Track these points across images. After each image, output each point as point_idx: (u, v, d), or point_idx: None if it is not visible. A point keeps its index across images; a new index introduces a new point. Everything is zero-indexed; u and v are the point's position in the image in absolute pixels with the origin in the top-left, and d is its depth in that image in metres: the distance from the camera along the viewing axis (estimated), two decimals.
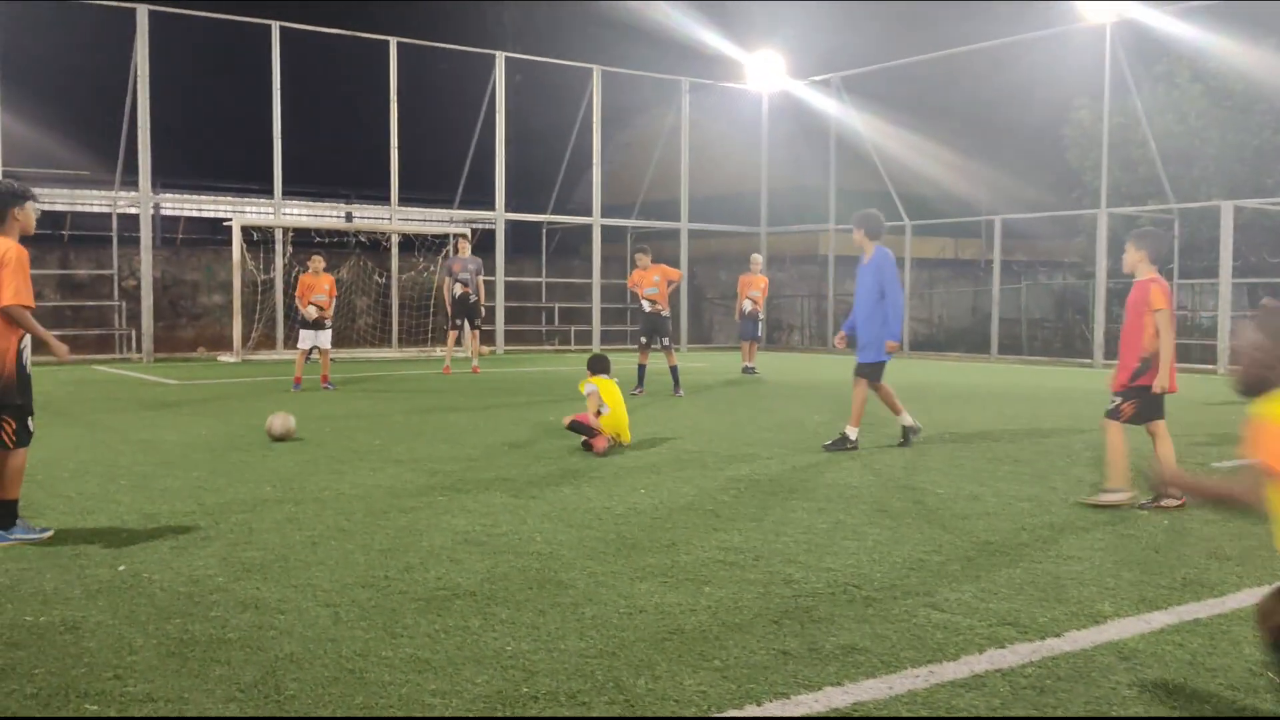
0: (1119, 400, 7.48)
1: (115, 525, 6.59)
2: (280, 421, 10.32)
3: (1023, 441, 10.45)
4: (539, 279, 31.20)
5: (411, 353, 25.88)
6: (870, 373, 10.12)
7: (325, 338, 16.08)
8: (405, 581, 5.36)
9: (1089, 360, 24.12)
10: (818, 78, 29.75)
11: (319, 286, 16.02)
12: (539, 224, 30.84)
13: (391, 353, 25.70)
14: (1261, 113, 24.54)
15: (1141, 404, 7.41)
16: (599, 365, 10.73)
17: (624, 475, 8.45)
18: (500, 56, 27.19)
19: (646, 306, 15.93)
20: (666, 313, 15.90)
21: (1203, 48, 24.33)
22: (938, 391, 16.14)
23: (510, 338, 27.89)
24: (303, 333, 16.06)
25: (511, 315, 28.47)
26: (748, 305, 19.68)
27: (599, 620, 4.74)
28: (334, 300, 16.30)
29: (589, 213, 29.04)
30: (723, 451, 9.75)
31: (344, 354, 23.38)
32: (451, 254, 22.14)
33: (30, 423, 6.32)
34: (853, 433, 9.96)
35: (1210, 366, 21.80)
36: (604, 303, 29.27)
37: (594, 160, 28.44)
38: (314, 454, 9.49)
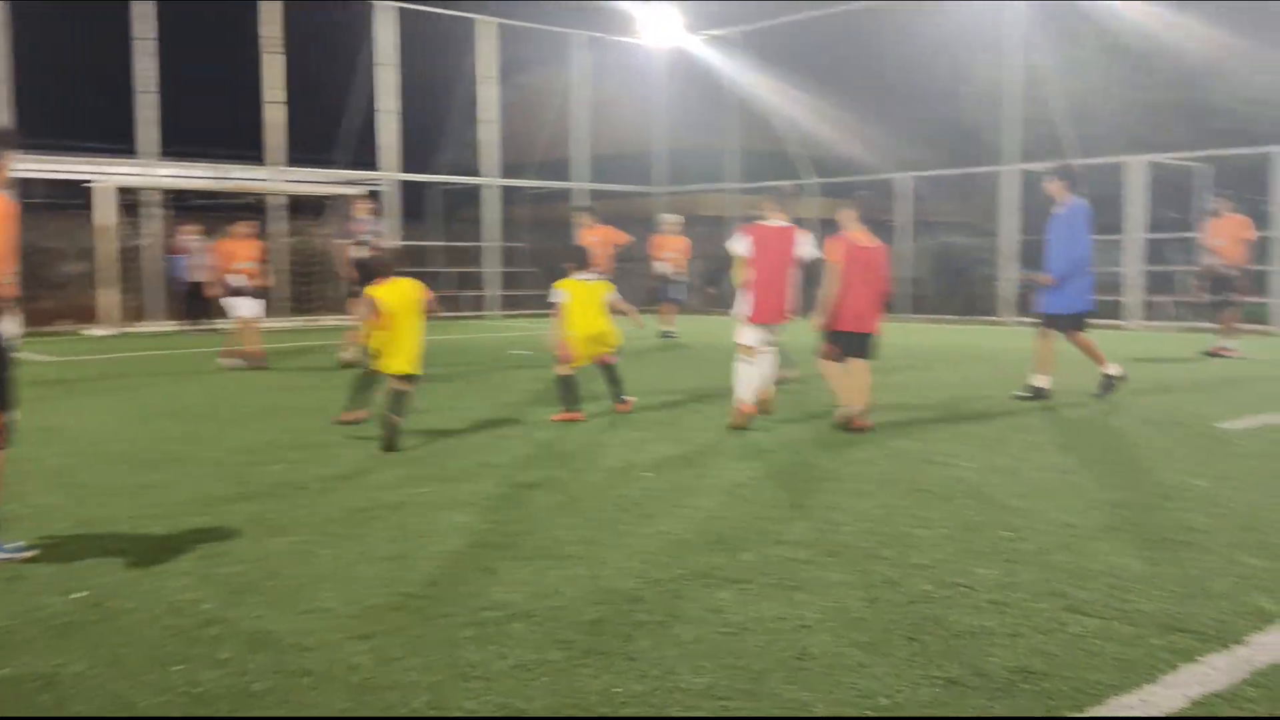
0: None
1: (48, 536, 5.48)
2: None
3: (993, 401, 9.93)
4: (431, 243, 29.86)
5: (300, 322, 24.42)
6: (1063, 324, 10.04)
7: (256, 306, 14.83)
8: (439, 600, 4.45)
9: (997, 318, 24.05)
10: (716, 32, 28.99)
11: (243, 253, 14.77)
12: (430, 185, 29.49)
13: (279, 322, 24.19)
14: (1159, 70, 24.68)
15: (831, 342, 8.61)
16: (574, 257, 9.62)
17: (610, 449, 7.61)
18: (382, 6, 25.69)
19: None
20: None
21: (1102, 4, 24.34)
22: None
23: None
24: (239, 301, 14.70)
25: None
26: (661, 267, 18.84)
27: (704, 645, 3.93)
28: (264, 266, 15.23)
29: (479, 173, 27.83)
30: (708, 426, 8.97)
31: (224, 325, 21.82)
32: (350, 216, 20.76)
33: (11, 419, 5.21)
34: (1040, 381, 10.01)
35: (1118, 322, 21.85)
36: (503, 266, 28.13)
37: (489, 118, 27.20)
38: (254, 439, 8.40)
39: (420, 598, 4.48)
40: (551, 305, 9.44)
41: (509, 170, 28.55)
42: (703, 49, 29.43)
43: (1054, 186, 10.28)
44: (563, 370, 9.31)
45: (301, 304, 25.38)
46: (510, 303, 28.56)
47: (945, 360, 14.61)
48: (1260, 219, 24.66)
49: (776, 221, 8.89)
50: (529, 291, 30.39)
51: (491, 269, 28.12)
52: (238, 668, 3.75)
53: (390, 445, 7.81)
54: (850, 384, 8.55)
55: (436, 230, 30.33)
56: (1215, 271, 14.75)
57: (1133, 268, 21.55)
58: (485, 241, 28.11)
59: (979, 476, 6.74)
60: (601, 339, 9.41)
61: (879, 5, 27.36)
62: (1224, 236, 14.67)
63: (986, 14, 25.40)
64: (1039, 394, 10.04)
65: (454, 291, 28.82)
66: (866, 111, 30.33)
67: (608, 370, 9.61)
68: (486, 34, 27.28)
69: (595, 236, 15.47)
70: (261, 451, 7.85)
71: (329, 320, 24.76)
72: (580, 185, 28.74)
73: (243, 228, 14.93)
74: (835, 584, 4.61)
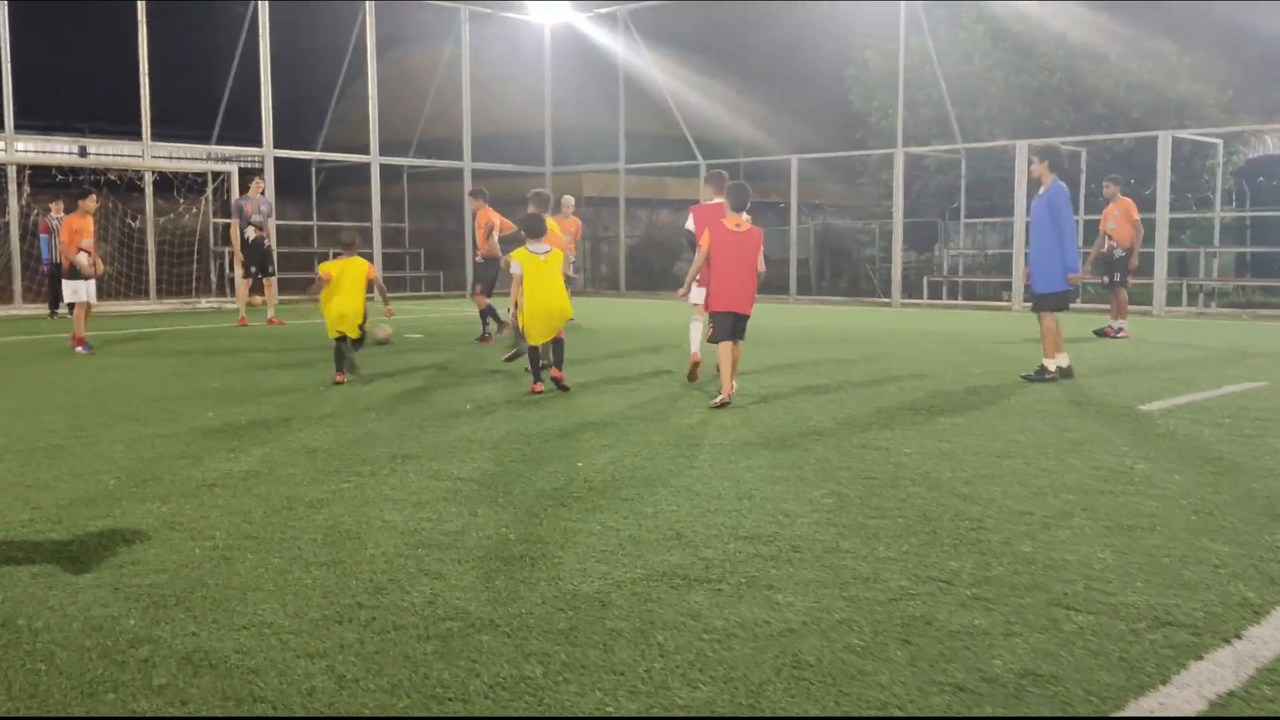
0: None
1: None
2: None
3: (913, 384, 9.88)
4: (309, 222, 28.91)
5: (173, 304, 23.36)
6: (1048, 302, 10.19)
7: (92, 289, 13.91)
8: (390, 610, 4.08)
9: (886, 300, 24.31)
10: (603, 9, 28.61)
11: (89, 230, 13.82)
12: (306, 162, 28.51)
13: (148, 305, 23.10)
14: (1040, 54, 25.18)
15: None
16: (533, 226, 9.55)
17: (538, 438, 7.28)
18: None
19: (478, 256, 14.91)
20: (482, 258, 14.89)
21: None
22: (783, 335, 15.53)
23: (281, 286, 25.61)
24: (70, 284, 13.80)
25: (280, 262, 26.14)
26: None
27: (690, 655, 3.65)
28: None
29: (354, 150, 26.99)
30: (633, 414, 8.69)
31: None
32: (243, 194, 19.81)
33: None
34: (1051, 364, 10.13)
35: (1005, 304, 22.27)
36: (384, 248, 27.35)
37: (368, 93, 26.36)
38: (139, 432, 7.82)
39: (368, 608, 4.10)
40: (514, 274, 9.45)
41: (388, 148, 27.75)
42: (589, 26, 29.02)
43: (1038, 168, 10.34)
44: (525, 344, 9.68)
45: (173, 286, 24.28)
46: (392, 285, 27.79)
47: (847, 341, 14.59)
48: (1142, 202, 25.49)
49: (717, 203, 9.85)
50: (410, 273, 29.73)
51: (371, 250, 27.26)
52: (178, 695, 3.34)
53: (349, 367, 10.44)
54: (723, 363, 9.01)
55: (310, 210, 29.32)
56: (1106, 253, 15.02)
57: (1019, 250, 21.92)
58: (364, 222, 27.25)
59: (918, 462, 6.60)
60: (560, 313, 9.48)
61: None
62: (1114, 219, 14.95)
63: None
64: (1064, 373, 10.19)
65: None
66: (755, 93, 30.36)
67: (556, 342, 9.67)
68: (365, 7, 26.38)
69: (490, 219, 14.96)
70: (159, 444, 7.31)
71: (203, 303, 23.77)
72: (465, 165, 28.11)
73: (90, 203, 13.85)
74: (809, 581, 4.39)
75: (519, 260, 9.35)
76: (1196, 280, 21.16)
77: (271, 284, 18.50)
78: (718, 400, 8.80)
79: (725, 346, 9.00)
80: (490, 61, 29.15)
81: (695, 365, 10.12)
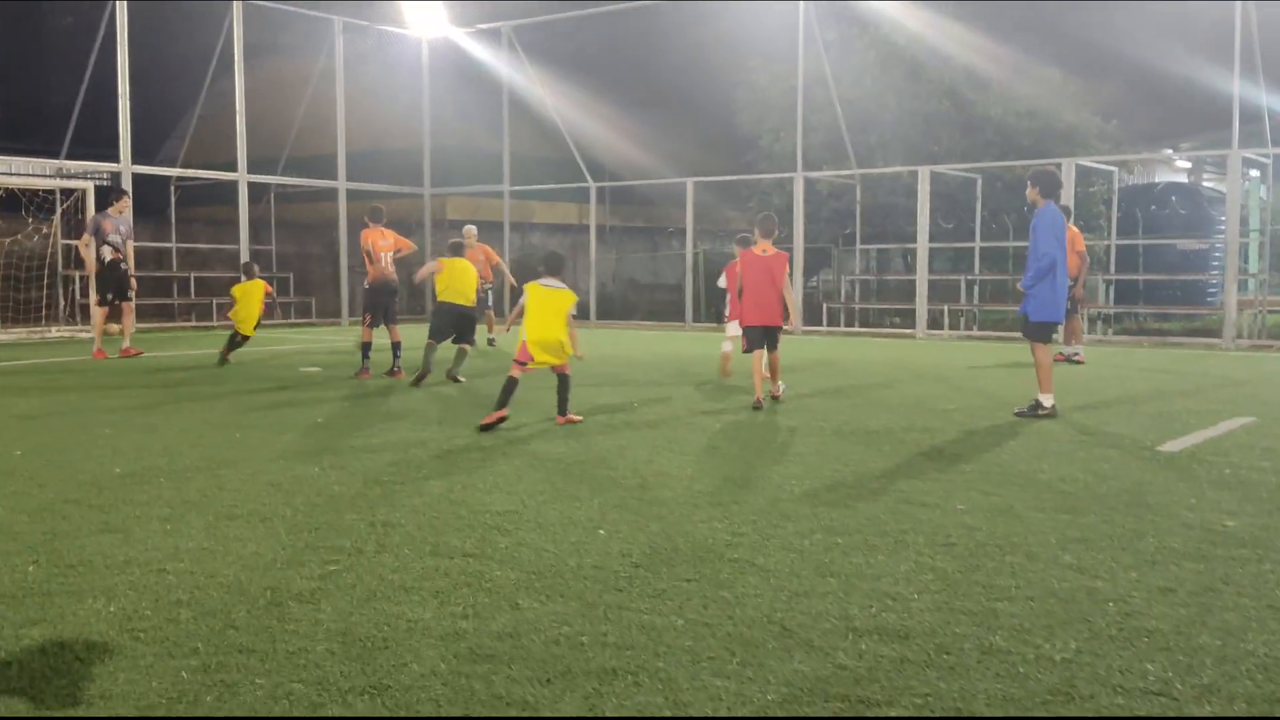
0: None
1: None
2: None
3: (897, 421, 9.15)
4: (166, 244, 26.91)
5: (19, 334, 21.25)
6: (1039, 333, 9.79)
7: None
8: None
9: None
10: (485, 25, 27.51)
11: None
12: (162, 179, 26.54)
13: None
14: (929, 80, 25.14)
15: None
16: (552, 264, 9.66)
17: (535, 499, 6.23)
18: None
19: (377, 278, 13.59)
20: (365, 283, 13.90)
21: (876, 9, 24.54)
22: (708, 367, 14.70)
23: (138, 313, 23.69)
24: None
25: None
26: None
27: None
28: None
29: (216, 166, 25.22)
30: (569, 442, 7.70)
31: None
32: (101, 212, 17.98)
33: None
34: (1047, 400, 9.65)
35: (909, 331, 21.97)
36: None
37: (235, 107, 24.65)
38: (36, 495, 6.47)
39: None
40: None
41: (255, 166, 26.01)
42: (470, 42, 27.88)
43: (1030, 192, 9.90)
44: (515, 370, 9.42)
45: (19, 314, 22.13)
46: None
47: (789, 373, 13.85)
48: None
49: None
50: (279, 299, 27.96)
51: (234, 273, 25.38)
52: None
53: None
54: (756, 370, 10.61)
55: (166, 230, 27.30)
56: None
57: (922, 277, 21.67)
58: (228, 244, 25.46)
59: (984, 522, 5.80)
60: (556, 349, 9.41)
61: (651, 5, 26.59)
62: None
63: (762, 18, 25.16)
64: (1043, 411, 9.64)
65: (200, 299, 26.11)
66: (644, 115, 29.68)
67: (561, 380, 9.65)
68: (233, 9, 24.66)
69: (387, 240, 13.68)
70: (68, 512, 5.99)
71: (54, 331, 21.75)
72: (339, 184, 26.60)
73: None
74: (1000, 699, 3.50)
75: (527, 291, 9.54)
76: (1094, 307, 21.20)
77: (130, 311, 16.85)
78: (755, 401, 10.34)
79: (758, 355, 10.62)
80: (366, 76, 27.73)
81: (726, 360, 12.80)
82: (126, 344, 16.68)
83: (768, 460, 7.67)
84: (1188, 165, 35.60)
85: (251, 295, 15.04)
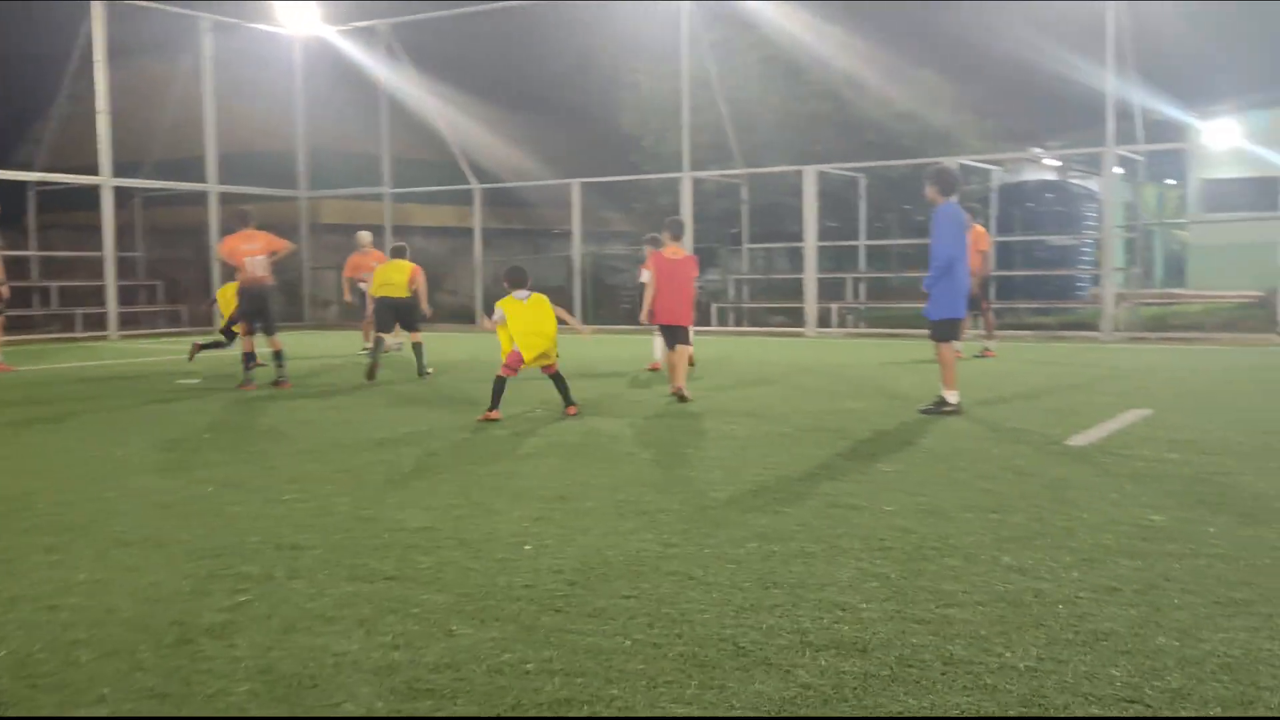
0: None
1: None
2: None
3: (805, 421, 9.07)
4: (23, 252, 25.57)
5: None
6: (943, 331, 9.77)
7: None
8: None
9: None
10: (361, 23, 26.83)
11: None
12: (18, 185, 25.23)
13: None
14: (810, 81, 25.35)
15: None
16: (515, 277, 10.03)
17: (442, 513, 5.93)
18: None
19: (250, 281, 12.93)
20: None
21: (757, 13, 24.64)
22: (609, 368, 14.48)
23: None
24: None
25: None
26: (363, 287, 16.84)
27: None
28: None
29: (77, 170, 24.07)
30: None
31: None
32: None
33: None
34: (952, 396, 9.61)
35: (798, 330, 22.09)
36: (119, 280, 24.48)
37: (98, 107, 23.53)
38: None
39: None
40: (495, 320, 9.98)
41: (119, 170, 24.89)
42: (345, 41, 27.16)
43: (929, 191, 9.88)
44: (505, 372, 9.85)
45: None
46: (129, 321, 24.97)
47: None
48: (916, 230, 26.01)
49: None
50: (147, 308, 26.87)
51: (101, 281, 24.20)
52: None
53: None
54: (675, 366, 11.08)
55: (23, 238, 25.95)
56: None
57: (810, 276, 21.80)
58: (91, 250, 24.30)
59: (916, 523, 5.71)
60: (544, 342, 9.91)
61: (532, 5, 26.27)
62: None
63: (645, 19, 25.05)
64: (947, 408, 9.62)
65: (64, 309, 24.89)
66: (526, 116, 29.33)
67: (556, 378, 10.15)
68: (94, 12, 23.56)
69: (256, 244, 13.04)
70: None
71: None
72: (210, 188, 25.63)
73: None
74: (974, 714, 3.36)
75: (503, 308, 9.93)
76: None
77: None
78: (673, 390, 10.80)
79: (678, 351, 11.06)
80: (236, 76, 26.77)
81: (656, 369, 13.51)
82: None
83: (685, 466, 7.49)
84: (1057, 163, 36.65)
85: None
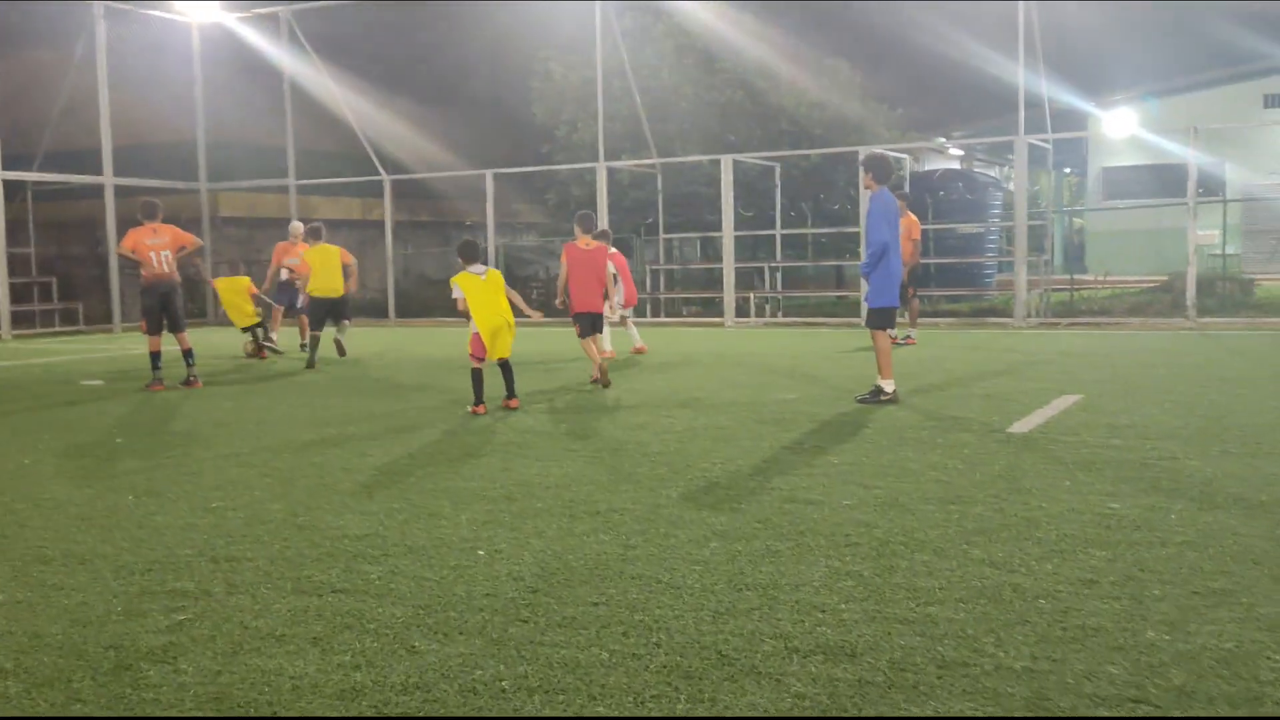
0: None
1: None
2: None
3: (745, 413, 8.94)
4: None
5: None
6: (879, 319, 9.71)
7: None
8: None
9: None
10: (261, 9, 26.04)
11: None
12: None
13: None
14: (723, 70, 25.28)
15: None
16: (467, 252, 9.63)
17: (391, 518, 5.65)
18: None
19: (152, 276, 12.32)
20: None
21: (671, 3, 24.50)
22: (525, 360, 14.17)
23: None
24: None
25: None
26: (284, 274, 16.29)
27: None
28: None
29: None
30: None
31: None
32: None
33: None
34: (889, 385, 9.53)
35: (716, 320, 22.01)
36: (13, 277, 23.42)
37: None
38: None
39: None
40: (456, 298, 9.58)
41: (9, 162, 23.83)
42: (245, 28, 26.35)
43: (865, 179, 9.84)
44: (474, 362, 9.57)
45: None
46: (22, 320, 23.93)
47: (616, 366, 13.50)
48: (829, 218, 26.14)
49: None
50: (41, 306, 25.79)
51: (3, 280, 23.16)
52: None
53: None
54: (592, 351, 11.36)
55: None
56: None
57: (728, 265, 21.74)
58: None
59: (877, 517, 5.59)
60: (507, 335, 9.56)
61: None
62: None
63: (557, 7, 24.73)
64: (884, 396, 9.55)
65: None
66: (435, 107, 28.80)
67: (504, 367, 9.78)
68: None
69: (161, 238, 12.45)
70: None
71: None
72: (105, 180, 24.66)
73: None
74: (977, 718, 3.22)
75: (460, 284, 9.49)
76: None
77: None
78: (594, 378, 11.08)
79: (592, 338, 11.51)
80: (131, 64, 25.79)
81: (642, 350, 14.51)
82: None
83: (629, 462, 7.28)
84: (960, 153, 37.21)
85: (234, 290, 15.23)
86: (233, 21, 26.42)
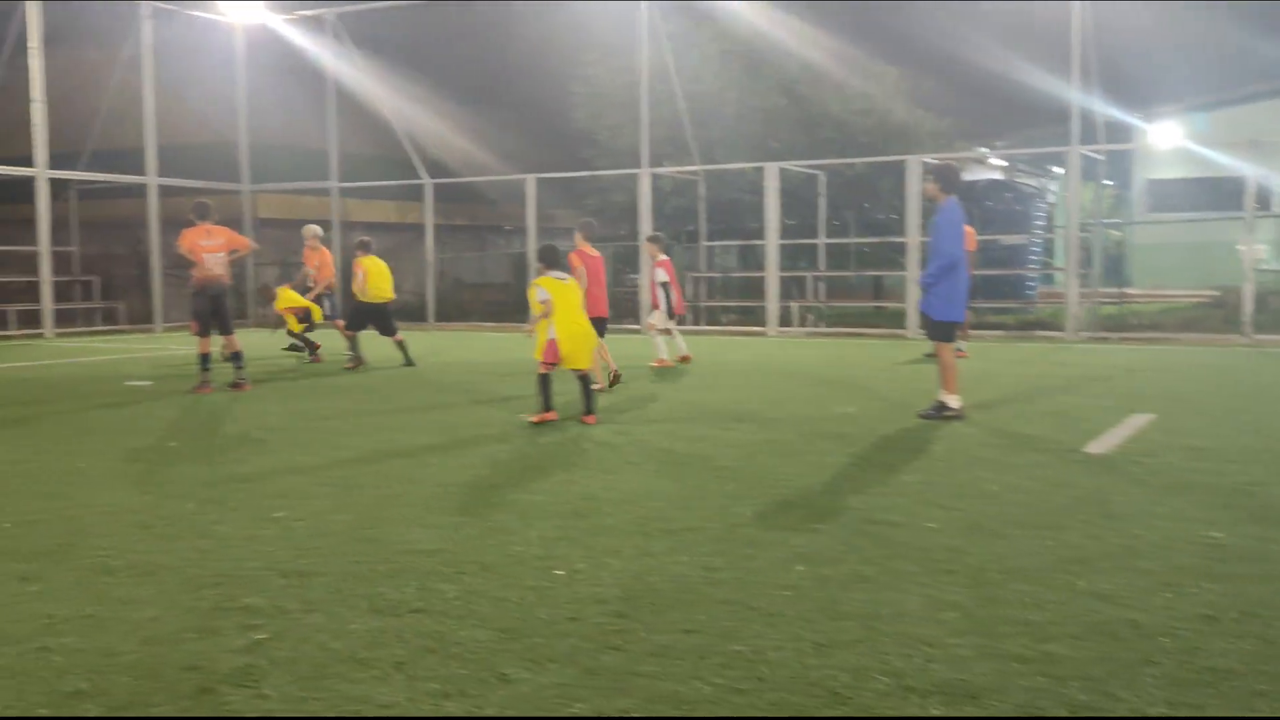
0: None
1: None
2: None
3: (805, 428, 8.72)
4: None
5: None
6: (942, 332, 9.38)
7: None
8: None
9: (632, 326, 23.28)
10: (306, 11, 26.04)
11: None
12: None
13: None
14: (768, 75, 25.03)
15: None
16: (550, 256, 9.41)
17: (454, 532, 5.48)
18: None
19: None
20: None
21: (715, 5, 24.26)
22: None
23: None
24: None
25: None
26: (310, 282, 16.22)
27: None
28: None
29: (9, 162, 23.04)
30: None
31: None
32: None
33: None
34: (954, 401, 9.24)
35: (758, 329, 21.78)
36: (56, 275, 23.47)
37: (33, 96, 22.54)
38: None
39: None
40: (541, 301, 9.19)
41: (55, 161, 23.89)
42: (290, 29, 26.35)
43: (930, 188, 9.61)
44: (544, 369, 9.15)
45: None
46: (65, 318, 23.96)
47: (668, 377, 13.31)
48: (873, 228, 25.85)
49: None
50: (84, 304, 25.86)
51: (35, 278, 23.14)
52: None
53: None
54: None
55: None
56: None
57: (771, 273, 21.50)
58: (27, 245, 23.27)
59: (967, 541, 5.36)
60: (588, 338, 9.36)
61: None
62: None
63: (600, 11, 24.56)
64: (949, 412, 9.26)
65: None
66: (476, 110, 28.73)
67: (583, 380, 9.40)
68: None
69: (214, 240, 12.36)
70: None
71: None
72: (150, 180, 24.70)
73: None
74: None
75: (546, 287, 9.17)
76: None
77: None
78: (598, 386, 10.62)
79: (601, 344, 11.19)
80: (176, 65, 25.84)
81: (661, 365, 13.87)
82: None
83: (696, 477, 7.08)
84: (1003, 163, 36.78)
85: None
86: (278, 23, 26.42)
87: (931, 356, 14.78)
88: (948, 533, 5.53)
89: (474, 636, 4.11)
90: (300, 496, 6.57)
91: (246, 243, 12.61)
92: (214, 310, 12.13)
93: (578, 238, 12.10)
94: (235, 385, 12.12)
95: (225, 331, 12.29)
